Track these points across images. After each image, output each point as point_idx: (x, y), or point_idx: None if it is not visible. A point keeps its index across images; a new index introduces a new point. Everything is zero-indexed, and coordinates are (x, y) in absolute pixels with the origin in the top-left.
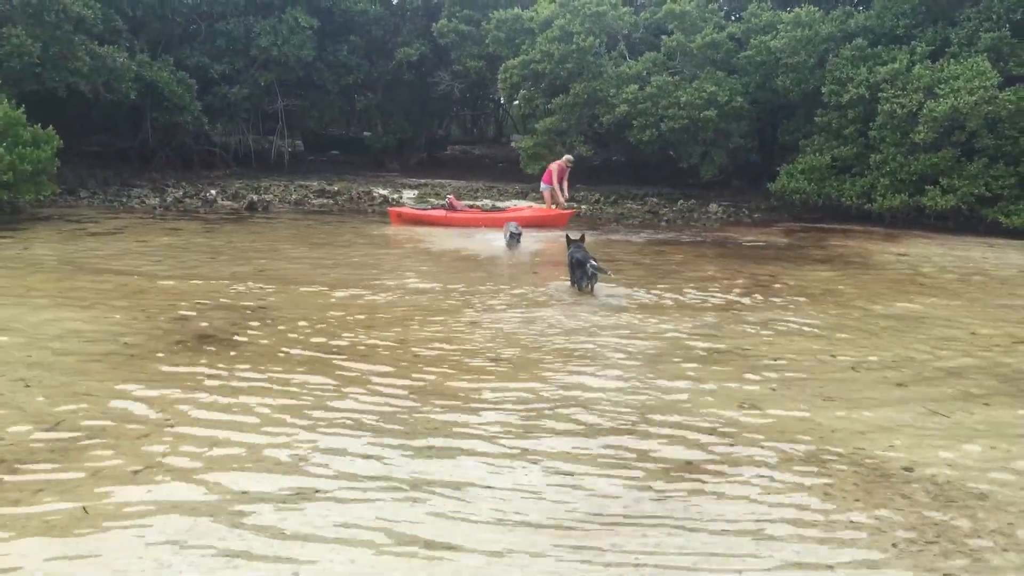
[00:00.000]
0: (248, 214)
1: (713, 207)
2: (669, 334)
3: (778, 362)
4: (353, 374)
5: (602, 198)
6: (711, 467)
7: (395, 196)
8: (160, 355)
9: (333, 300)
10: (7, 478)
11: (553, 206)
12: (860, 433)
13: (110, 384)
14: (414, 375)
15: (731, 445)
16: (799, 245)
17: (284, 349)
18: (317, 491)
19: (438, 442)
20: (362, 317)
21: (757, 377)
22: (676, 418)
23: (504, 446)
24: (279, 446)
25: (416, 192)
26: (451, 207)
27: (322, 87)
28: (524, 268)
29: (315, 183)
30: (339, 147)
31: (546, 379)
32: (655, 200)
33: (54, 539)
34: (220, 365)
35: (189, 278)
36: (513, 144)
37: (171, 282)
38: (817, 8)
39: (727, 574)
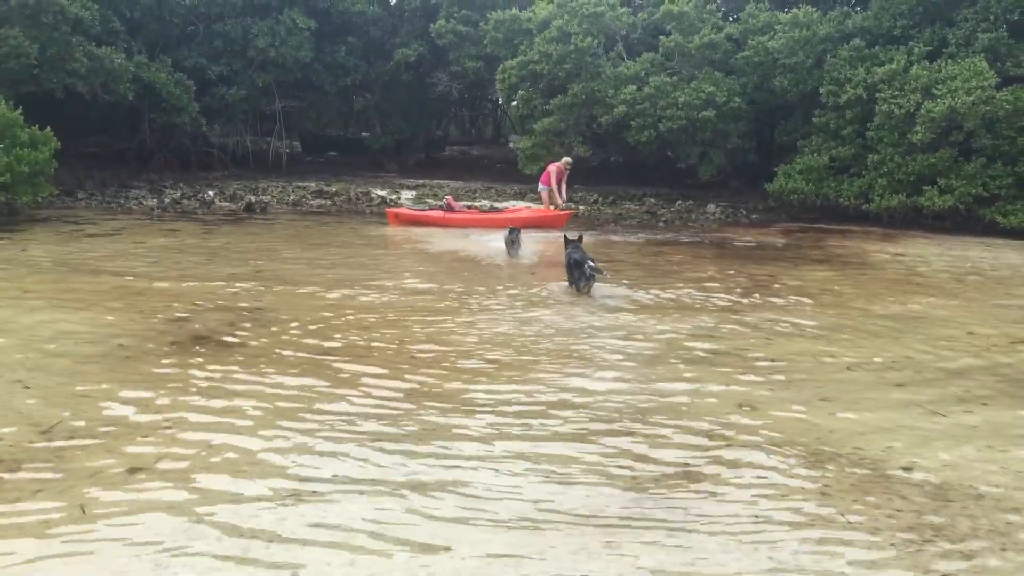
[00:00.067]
0: (246, 215)
1: (711, 207)
2: (667, 335)
3: (776, 363)
4: (349, 376)
5: (600, 198)
6: (709, 468)
7: (393, 197)
8: (157, 357)
9: (330, 301)
10: (6, 477)
11: (551, 207)
12: (858, 433)
13: (107, 385)
14: (411, 377)
15: (729, 446)
16: (797, 245)
17: (281, 351)
18: (314, 493)
19: (435, 444)
20: (359, 318)
21: (755, 378)
22: (674, 419)
23: (501, 448)
24: (275, 449)
25: (414, 193)
26: (449, 208)
27: (320, 88)
28: (522, 269)
29: (313, 184)
30: (337, 148)
31: (543, 380)
32: (653, 200)
33: (53, 539)
34: (217, 367)
35: (186, 279)
36: (511, 145)
37: (168, 283)
38: (815, 9)
39: (726, 572)
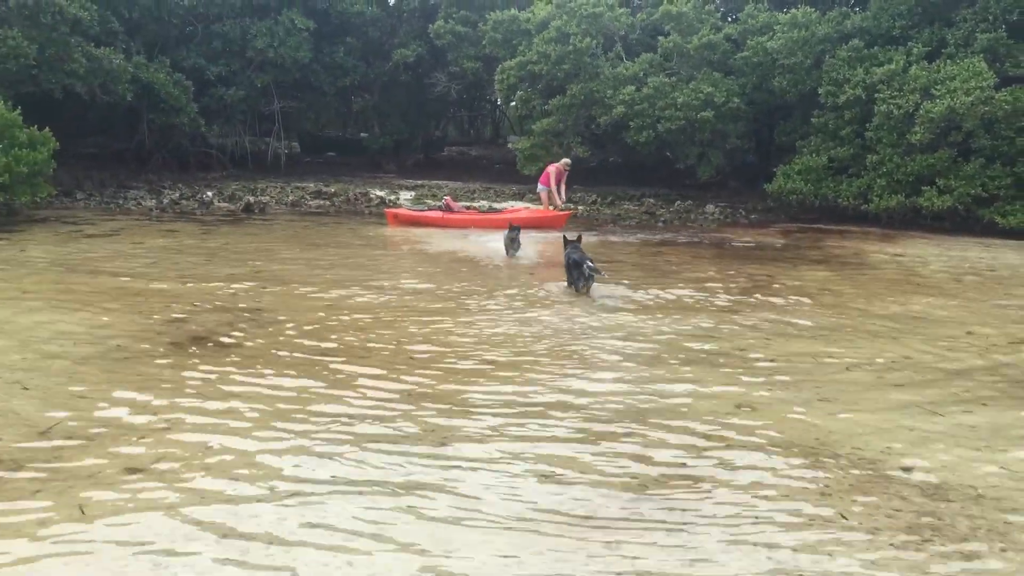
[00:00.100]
0: (244, 216)
1: (710, 208)
2: (666, 335)
3: (775, 363)
4: (347, 376)
5: (599, 199)
6: (708, 469)
7: (392, 197)
8: (155, 357)
9: (328, 302)
10: (5, 478)
11: (550, 207)
12: (857, 434)
13: (105, 386)
14: (409, 378)
15: (728, 447)
16: (796, 246)
17: (279, 351)
18: (312, 494)
19: (433, 445)
20: (357, 319)
21: (754, 378)
22: (673, 420)
23: (500, 449)
24: (273, 450)
25: (413, 193)
26: (448, 208)
27: (319, 89)
28: (520, 269)
29: (312, 185)
30: (336, 148)
31: (542, 381)
32: (652, 201)
33: (52, 539)
34: (215, 367)
35: (185, 280)
36: (510, 145)
37: (167, 284)
38: (813, 9)
39: (725, 572)
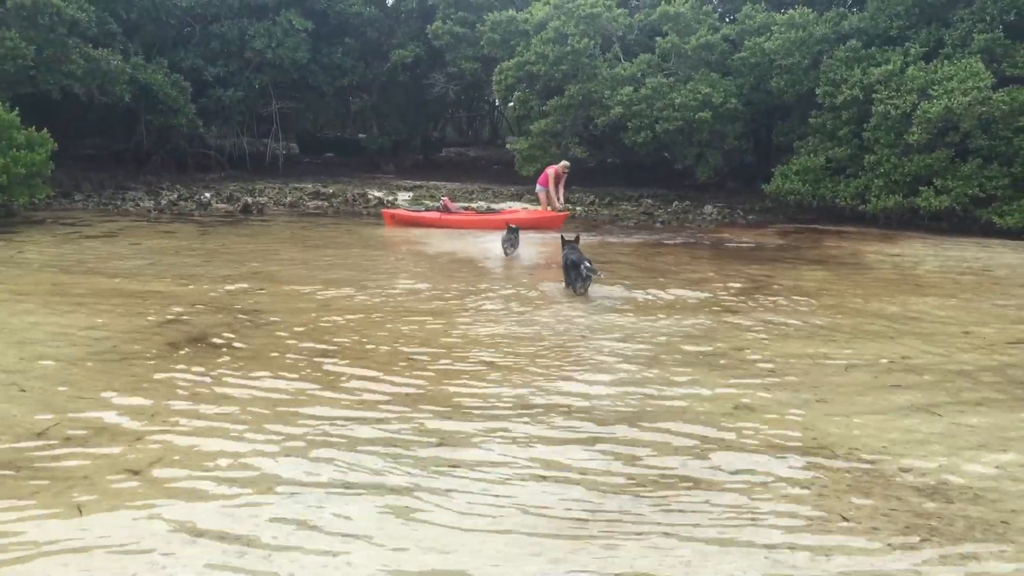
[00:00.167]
0: (243, 217)
1: (708, 208)
2: (664, 336)
3: (773, 364)
4: (345, 378)
5: (597, 200)
6: (706, 470)
7: (390, 198)
8: (153, 359)
9: (327, 303)
10: (3, 478)
11: (548, 208)
12: (855, 434)
13: (103, 388)
14: (406, 379)
15: (726, 447)
16: (794, 246)
17: (277, 353)
18: (308, 497)
19: (430, 447)
20: (355, 320)
21: (752, 379)
22: (671, 421)
23: (497, 451)
24: (271, 453)
25: (411, 194)
26: (446, 209)
27: (317, 89)
28: (519, 270)
29: (310, 185)
30: (334, 149)
31: (539, 382)
32: (650, 202)
33: (50, 540)
34: (212, 369)
35: (183, 281)
36: (508, 146)
37: (165, 285)
38: (811, 10)
39: (724, 572)
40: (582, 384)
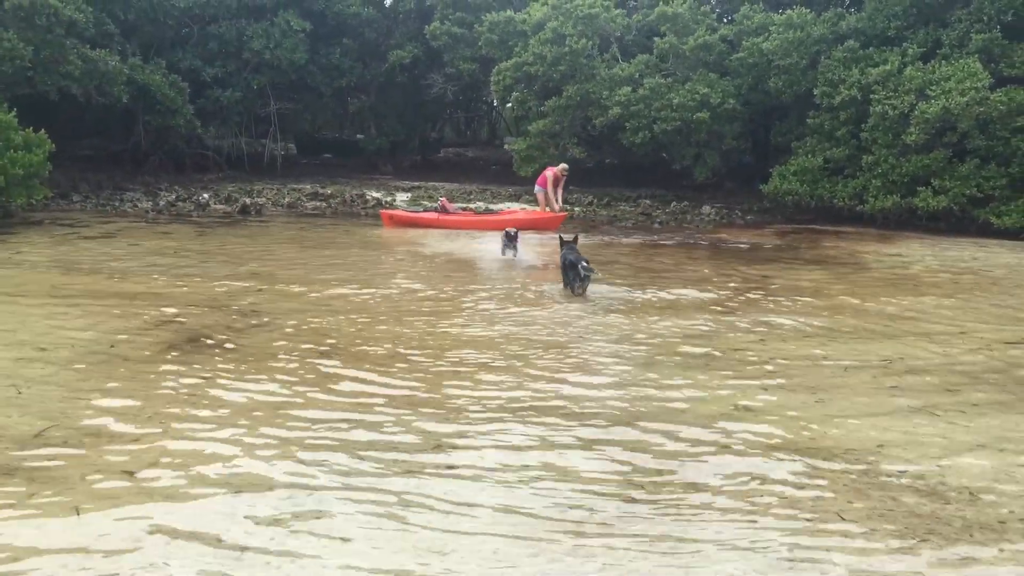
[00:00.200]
0: (241, 217)
1: (706, 209)
2: (662, 336)
3: (771, 364)
4: (343, 380)
5: (595, 200)
6: (704, 471)
7: (388, 199)
8: (150, 360)
9: (324, 304)
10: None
11: (547, 209)
12: (853, 435)
13: (101, 389)
14: (404, 381)
15: (724, 448)
16: (792, 246)
17: (275, 354)
18: (305, 500)
19: (427, 450)
20: (353, 320)
21: (750, 379)
22: (669, 421)
23: (494, 453)
24: (268, 455)
25: (409, 195)
26: (444, 210)
27: (315, 90)
28: (517, 270)
29: (308, 186)
30: (332, 150)
31: (537, 384)
32: (648, 202)
33: (46, 540)
34: (210, 370)
35: (181, 282)
36: (506, 147)
37: (162, 286)
38: (809, 10)
39: (721, 573)
40: (580, 385)
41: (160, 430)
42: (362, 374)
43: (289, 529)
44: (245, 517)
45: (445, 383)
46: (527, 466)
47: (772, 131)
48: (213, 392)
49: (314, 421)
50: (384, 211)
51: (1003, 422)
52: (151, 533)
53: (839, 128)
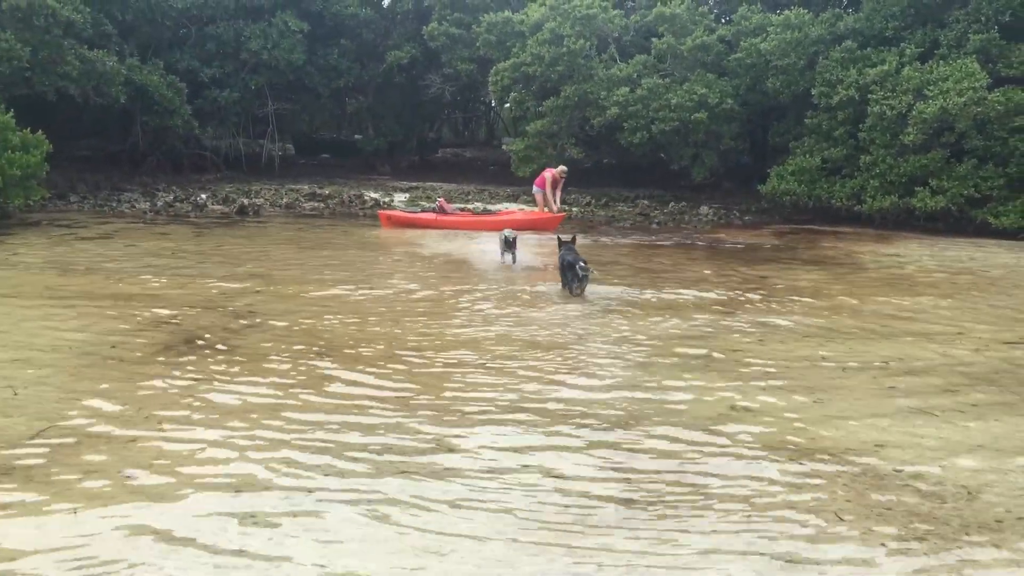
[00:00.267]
0: (239, 218)
1: (704, 209)
2: (660, 337)
3: (769, 365)
4: (339, 381)
5: (593, 200)
6: (702, 471)
7: (386, 199)
8: (147, 361)
9: (322, 304)
10: None
11: (545, 209)
12: (851, 435)
13: (97, 390)
14: (401, 383)
15: (722, 449)
16: (790, 247)
17: (272, 355)
18: (302, 502)
19: (424, 452)
20: (350, 321)
21: (748, 380)
22: (667, 422)
23: (491, 455)
24: (263, 459)
25: (407, 195)
26: (441, 210)
27: (313, 90)
28: (515, 271)
29: (306, 187)
30: (330, 150)
31: (535, 385)
32: (646, 202)
33: (43, 541)
34: (207, 371)
35: (178, 283)
36: (504, 147)
37: (159, 287)
38: (806, 10)
39: (719, 574)
40: (578, 386)
41: (156, 431)
42: (359, 375)
43: (285, 530)
44: (241, 518)
45: (443, 384)
46: (524, 467)
47: (770, 131)
48: (209, 393)
49: (310, 422)
50: (382, 211)
51: (1001, 422)
52: (147, 534)
53: (837, 128)
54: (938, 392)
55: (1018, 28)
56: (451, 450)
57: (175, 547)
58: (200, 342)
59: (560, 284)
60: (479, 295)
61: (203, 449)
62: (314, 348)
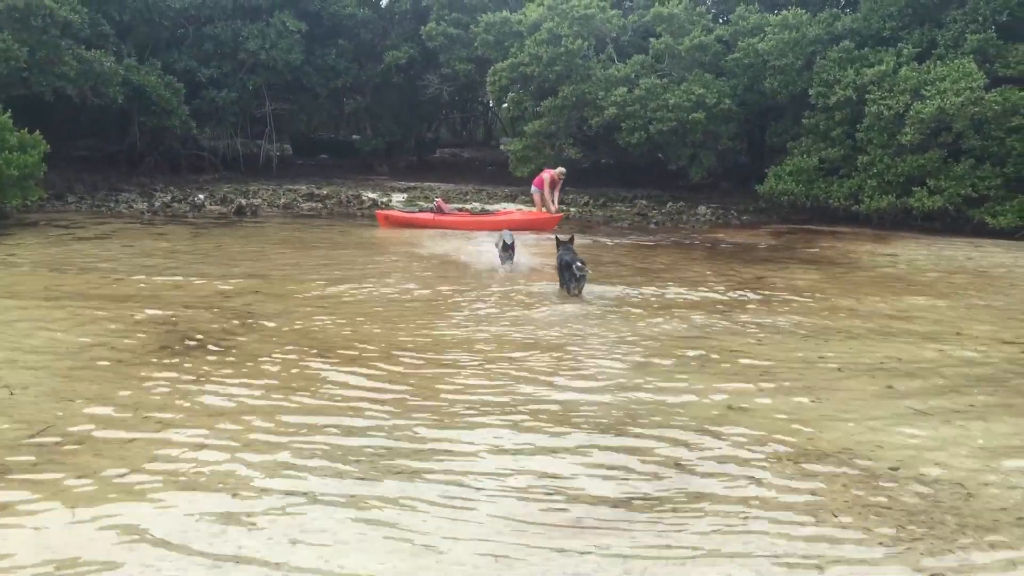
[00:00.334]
0: (236, 218)
1: (702, 209)
2: (657, 337)
3: (766, 364)
4: (336, 383)
5: (591, 201)
6: (699, 469)
7: (384, 199)
8: (144, 361)
9: (320, 305)
10: None
11: (543, 209)
12: (848, 434)
13: (94, 391)
14: (399, 383)
15: (719, 447)
16: (787, 247)
17: (269, 356)
18: (300, 504)
19: (421, 453)
20: (348, 322)
21: (745, 379)
22: (664, 421)
23: (489, 455)
24: (260, 462)
25: (405, 195)
26: (439, 210)
27: (311, 91)
28: (512, 271)
29: (304, 187)
30: (328, 151)
31: (532, 385)
32: (644, 202)
33: (42, 541)
34: (205, 372)
35: (175, 283)
36: (502, 147)
37: (157, 287)
38: (804, 11)
39: (716, 574)
40: (575, 387)
41: (152, 432)
42: (355, 376)
43: (283, 532)
44: (239, 520)
45: (440, 385)
46: (522, 468)
47: (768, 131)
48: (206, 394)
49: (307, 423)
50: (380, 212)
51: (999, 422)
52: (143, 536)
53: (834, 128)
54: (936, 392)
55: (1015, 28)
56: (448, 451)
57: (171, 549)
58: (198, 343)
59: (558, 284)
60: (476, 295)
61: (201, 450)
62: (311, 348)
